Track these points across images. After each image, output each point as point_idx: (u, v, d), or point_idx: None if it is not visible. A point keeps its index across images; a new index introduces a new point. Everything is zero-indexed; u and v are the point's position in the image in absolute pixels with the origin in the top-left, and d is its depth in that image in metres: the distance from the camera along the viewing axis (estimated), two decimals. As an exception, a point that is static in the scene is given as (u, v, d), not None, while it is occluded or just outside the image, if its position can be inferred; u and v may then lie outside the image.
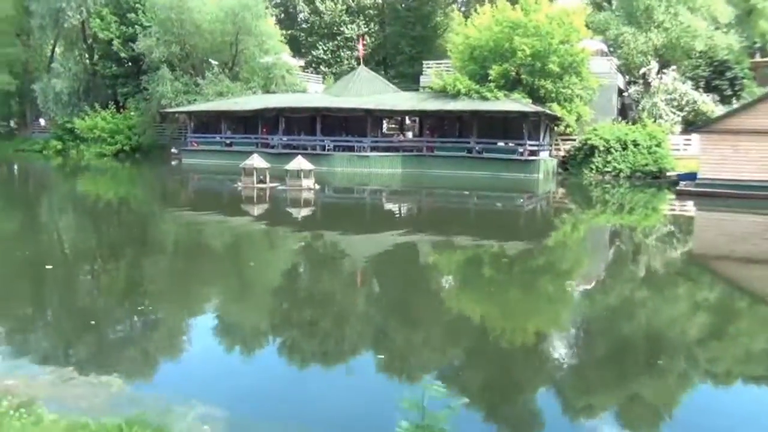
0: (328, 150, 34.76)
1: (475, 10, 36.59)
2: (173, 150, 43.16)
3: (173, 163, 41.37)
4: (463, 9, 63.48)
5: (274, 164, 25.52)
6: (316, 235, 16.26)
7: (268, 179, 24.02)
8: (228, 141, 38.50)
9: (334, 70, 56.55)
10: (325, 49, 57.91)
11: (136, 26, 42.68)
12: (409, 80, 46.20)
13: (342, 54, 58.25)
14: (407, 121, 41.70)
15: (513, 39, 31.95)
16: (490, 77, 32.65)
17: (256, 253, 14.34)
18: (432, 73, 35.68)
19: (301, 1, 57.99)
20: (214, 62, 42.44)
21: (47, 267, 11.52)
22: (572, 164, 33.16)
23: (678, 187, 25.98)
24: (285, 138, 35.96)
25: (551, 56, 31.70)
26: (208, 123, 39.85)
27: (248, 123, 38.23)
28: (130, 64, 45.34)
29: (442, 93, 34.05)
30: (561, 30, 31.74)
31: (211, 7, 40.75)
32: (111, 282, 11.19)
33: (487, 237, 16.40)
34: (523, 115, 31.39)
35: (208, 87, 40.29)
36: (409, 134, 40.19)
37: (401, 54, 56.25)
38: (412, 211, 22.99)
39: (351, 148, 34.55)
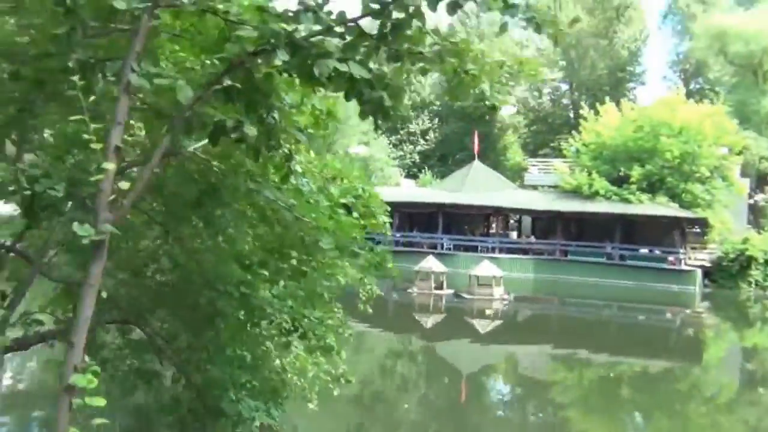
0: (447, 249, 31.57)
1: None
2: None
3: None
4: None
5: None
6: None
7: (445, 285, 20.65)
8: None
9: (395, 165, 54.83)
10: (388, 143, 56.45)
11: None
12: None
13: (405, 148, 57.12)
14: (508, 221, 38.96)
15: (657, 139, 29.81)
16: (631, 179, 30.25)
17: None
18: (560, 171, 32.90)
19: (367, 94, 56.88)
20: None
21: None
22: (722, 276, 29.96)
23: None
24: (398, 234, 32.79)
25: (700, 159, 29.48)
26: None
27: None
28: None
29: (573, 193, 31.51)
30: (713, 131, 29.61)
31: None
32: None
33: None
34: (675, 221, 28.72)
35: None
36: (513, 234, 37.38)
37: (463, 150, 55.05)
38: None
39: (474, 248, 31.37)
